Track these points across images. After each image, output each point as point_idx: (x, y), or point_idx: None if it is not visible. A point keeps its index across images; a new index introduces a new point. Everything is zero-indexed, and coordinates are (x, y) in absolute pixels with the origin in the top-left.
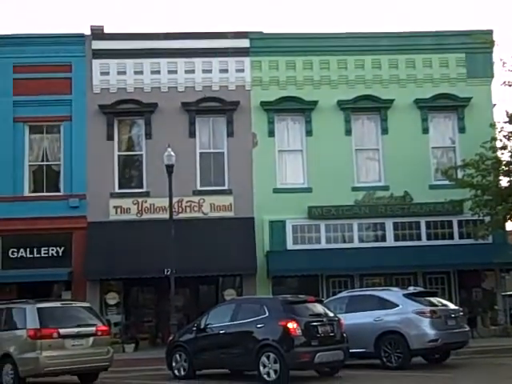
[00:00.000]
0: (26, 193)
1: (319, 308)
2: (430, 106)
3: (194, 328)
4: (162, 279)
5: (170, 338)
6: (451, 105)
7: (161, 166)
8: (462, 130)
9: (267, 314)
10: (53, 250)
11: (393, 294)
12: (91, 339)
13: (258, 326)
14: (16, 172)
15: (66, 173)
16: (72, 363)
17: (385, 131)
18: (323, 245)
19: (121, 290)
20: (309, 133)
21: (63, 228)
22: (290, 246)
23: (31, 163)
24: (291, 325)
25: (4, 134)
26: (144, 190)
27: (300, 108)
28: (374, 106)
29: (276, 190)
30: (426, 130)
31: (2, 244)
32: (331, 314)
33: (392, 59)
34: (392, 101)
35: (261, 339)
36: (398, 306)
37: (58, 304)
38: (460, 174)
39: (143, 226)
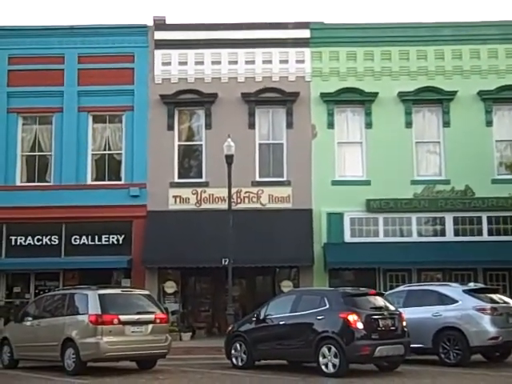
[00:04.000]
0: (89, 181)
1: (380, 301)
2: (494, 98)
3: (254, 318)
4: (220, 269)
5: (230, 328)
6: None
7: (220, 157)
8: None
9: (327, 306)
10: (113, 237)
11: (452, 289)
12: (150, 326)
13: (318, 317)
14: (79, 161)
15: (128, 162)
16: (131, 349)
17: (447, 124)
18: (381, 238)
19: (178, 278)
20: (368, 125)
21: (124, 216)
22: (347, 238)
23: (94, 152)
24: (352, 317)
25: (70, 123)
26: (203, 180)
27: (360, 99)
28: (436, 98)
29: (334, 183)
30: (489, 123)
31: (65, 231)
32: (392, 308)
33: (455, 50)
34: (455, 92)
35: (321, 331)
36: (457, 301)
37: (118, 291)
38: None
39: (202, 216)
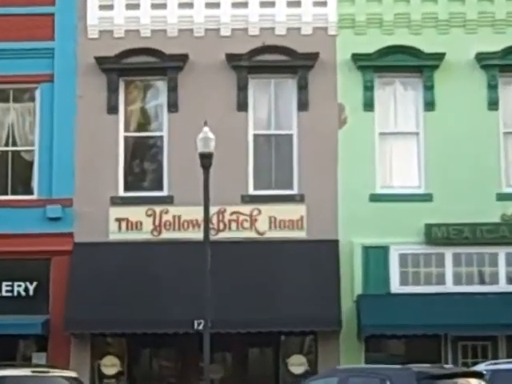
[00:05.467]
0: None
1: None
2: None
3: None
4: (191, 337)
5: None
6: None
7: (192, 156)
8: None
9: None
10: (19, 286)
11: None
12: None
13: None
14: None
15: (43, 165)
16: None
17: None
18: (449, 287)
19: (124, 352)
20: (429, 105)
21: (36, 252)
22: (395, 287)
23: None
24: None
25: None
26: (164, 193)
27: (416, 65)
28: None
29: (375, 198)
30: None
31: None
32: None
33: None
34: None
35: None
36: None
37: (26, 372)
38: None
39: (162, 252)
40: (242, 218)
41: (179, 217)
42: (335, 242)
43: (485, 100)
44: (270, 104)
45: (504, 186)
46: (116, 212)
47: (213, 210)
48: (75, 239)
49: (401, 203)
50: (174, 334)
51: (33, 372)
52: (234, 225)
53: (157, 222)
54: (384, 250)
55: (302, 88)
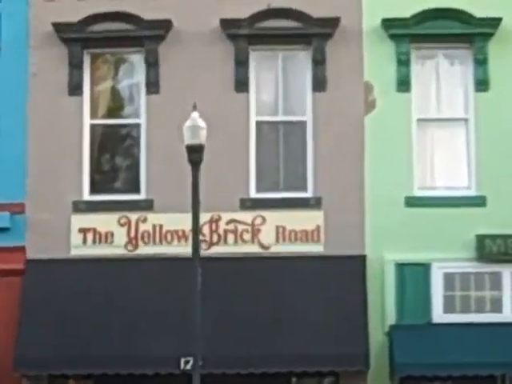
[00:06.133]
0: None
1: None
2: None
3: None
4: (176, 379)
5: None
6: None
7: (177, 150)
8: None
9: None
10: None
11: None
12: None
13: None
14: None
15: None
16: None
17: None
18: (508, 315)
19: None
20: (482, 84)
21: None
22: (438, 315)
23: None
24: None
25: None
26: (142, 197)
27: (464, 33)
28: None
29: (412, 202)
30: None
31: None
32: None
33: None
34: None
35: None
36: None
37: None
38: None
39: (139, 271)
40: (241, 227)
41: (161, 226)
42: (361, 258)
43: None
44: (277, 83)
45: None
46: (80, 221)
47: (204, 217)
48: (27, 255)
49: (445, 209)
50: (155, 375)
51: None
52: (231, 237)
53: (132, 234)
54: (424, 269)
55: (318, 63)
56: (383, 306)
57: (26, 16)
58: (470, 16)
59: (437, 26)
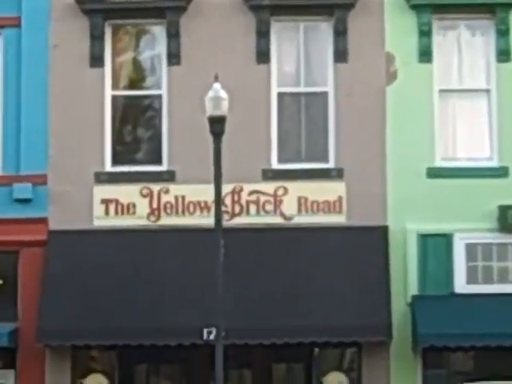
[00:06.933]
0: None
1: None
2: None
3: None
4: (199, 349)
5: None
6: None
7: (199, 121)
8: None
9: None
10: None
11: None
12: None
13: None
14: None
15: (8, 132)
16: None
17: None
18: None
19: (114, 369)
20: (504, 55)
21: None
22: (460, 286)
23: None
24: None
25: None
26: (164, 168)
27: (487, 3)
28: None
29: (433, 173)
30: None
31: None
32: None
33: None
34: None
35: None
36: None
37: None
38: None
39: (161, 242)
40: (263, 198)
41: (183, 197)
42: (383, 229)
43: None
44: (299, 54)
45: None
46: (102, 192)
47: (226, 188)
48: (50, 226)
49: (467, 179)
50: (178, 346)
51: None
52: (253, 207)
53: (154, 205)
54: (446, 239)
55: (340, 33)
56: (405, 277)
57: None
58: None
59: None
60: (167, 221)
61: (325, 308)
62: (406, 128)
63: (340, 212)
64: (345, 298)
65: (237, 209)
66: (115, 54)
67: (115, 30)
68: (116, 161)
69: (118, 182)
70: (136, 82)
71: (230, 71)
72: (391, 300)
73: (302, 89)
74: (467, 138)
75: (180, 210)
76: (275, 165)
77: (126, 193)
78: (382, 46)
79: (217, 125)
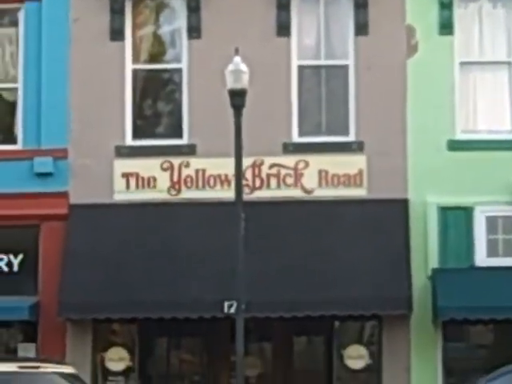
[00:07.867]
0: None
1: None
2: None
3: None
4: (220, 323)
5: None
6: None
7: (219, 94)
8: None
9: None
10: (0, 260)
11: None
12: None
13: None
14: None
15: (29, 106)
16: None
17: None
18: None
19: (134, 342)
20: None
21: (21, 217)
22: (481, 259)
23: None
24: None
25: None
26: (185, 141)
27: None
28: None
29: (454, 145)
30: None
31: None
32: None
33: None
34: None
35: None
36: None
37: (12, 367)
38: None
39: (182, 215)
40: (284, 172)
41: (203, 171)
42: (404, 202)
43: None
44: (320, 27)
45: None
46: (123, 165)
47: (247, 162)
48: (71, 200)
49: (488, 152)
50: (199, 320)
51: (20, 368)
52: (273, 181)
53: (175, 178)
54: (467, 212)
55: (360, 6)
56: (426, 250)
57: None
58: None
59: None
60: (188, 194)
61: (345, 281)
62: (427, 101)
63: (360, 185)
64: (365, 271)
65: (257, 182)
66: (135, 27)
67: (135, 4)
68: (136, 134)
69: (139, 156)
70: (156, 55)
71: (251, 44)
72: (411, 273)
73: (322, 62)
74: (488, 111)
75: (200, 183)
76: (296, 138)
77: (147, 167)
78: (403, 19)
79: (237, 98)
